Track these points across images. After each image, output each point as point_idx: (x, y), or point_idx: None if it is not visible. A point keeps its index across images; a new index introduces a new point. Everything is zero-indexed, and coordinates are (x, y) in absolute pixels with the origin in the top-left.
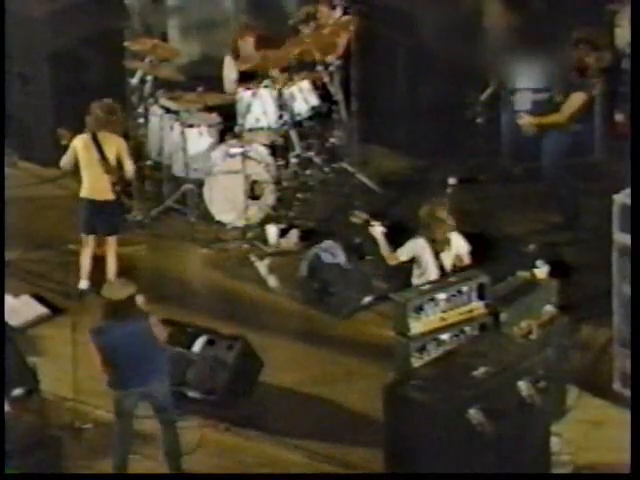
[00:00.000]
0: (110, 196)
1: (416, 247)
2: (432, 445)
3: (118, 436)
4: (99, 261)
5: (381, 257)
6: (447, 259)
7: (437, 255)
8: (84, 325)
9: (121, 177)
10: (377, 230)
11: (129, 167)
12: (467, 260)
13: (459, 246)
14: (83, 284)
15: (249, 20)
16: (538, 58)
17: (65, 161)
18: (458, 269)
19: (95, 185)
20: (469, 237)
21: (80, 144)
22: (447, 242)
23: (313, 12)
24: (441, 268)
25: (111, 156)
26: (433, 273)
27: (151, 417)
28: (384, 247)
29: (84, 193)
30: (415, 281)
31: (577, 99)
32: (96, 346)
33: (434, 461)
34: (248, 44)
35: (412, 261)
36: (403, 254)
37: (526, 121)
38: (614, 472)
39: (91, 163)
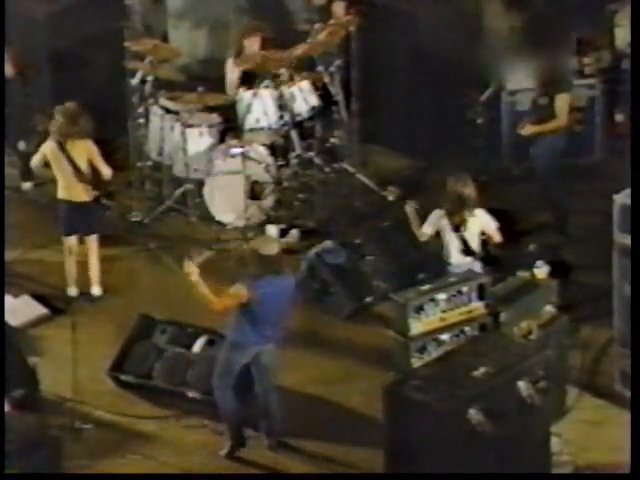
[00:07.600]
0: (87, 198)
1: (435, 218)
2: (432, 445)
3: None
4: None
5: (382, 257)
6: (472, 236)
7: (457, 228)
8: (84, 325)
9: (98, 181)
10: (410, 207)
11: (105, 170)
12: (497, 237)
13: (485, 222)
14: (72, 291)
15: (252, 20)
16: (538, 58)
17: (35, 162)
18: (490, 246)
19: (70, 189)
20: None
21: (49, 152)
22: (468, 216)
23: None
24: (464, 242)
25: (82, 163)
26: (453, 244)
27: (151, 417)
28: (415, 223)
29: (61, 195)
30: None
31: (563, 100)
32: (250, 296)
33: (434, 461)
34: (253, 44)
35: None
36: (428, 228)
37: (529, 130)
38: (614, 472)
39: (63, 170)
